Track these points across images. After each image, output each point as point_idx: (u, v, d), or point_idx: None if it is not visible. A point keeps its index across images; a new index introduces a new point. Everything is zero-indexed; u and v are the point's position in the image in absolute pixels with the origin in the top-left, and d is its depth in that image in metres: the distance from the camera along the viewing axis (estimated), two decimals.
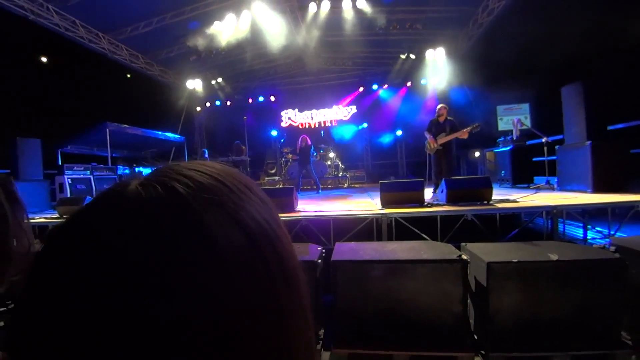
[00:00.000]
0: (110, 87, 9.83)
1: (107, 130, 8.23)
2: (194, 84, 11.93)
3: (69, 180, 6.77)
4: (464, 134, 5.50)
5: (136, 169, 9.76)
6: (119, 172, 8.67)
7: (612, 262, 2.21)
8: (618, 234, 3.58)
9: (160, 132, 10.63)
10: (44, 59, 9.01)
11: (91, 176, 7.32)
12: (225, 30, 8.84)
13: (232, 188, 0.29)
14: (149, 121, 10.36)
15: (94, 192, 7.14)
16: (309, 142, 8.20)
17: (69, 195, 6.51)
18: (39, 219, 4.90)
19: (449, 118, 5.83)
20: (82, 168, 7.20)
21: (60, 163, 7.89)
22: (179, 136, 11.67)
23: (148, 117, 10.54)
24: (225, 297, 0.24)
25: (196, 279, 0.24)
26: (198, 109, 13.78)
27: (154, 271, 0.23)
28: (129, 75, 10.68)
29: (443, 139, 5.66)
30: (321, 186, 10.29)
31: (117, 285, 0.22)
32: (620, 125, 4.93)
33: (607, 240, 3.43)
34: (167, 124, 11.46)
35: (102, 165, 7.96)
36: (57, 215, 4.86)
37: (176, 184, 0.27)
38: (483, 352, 2.26)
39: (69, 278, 0.23)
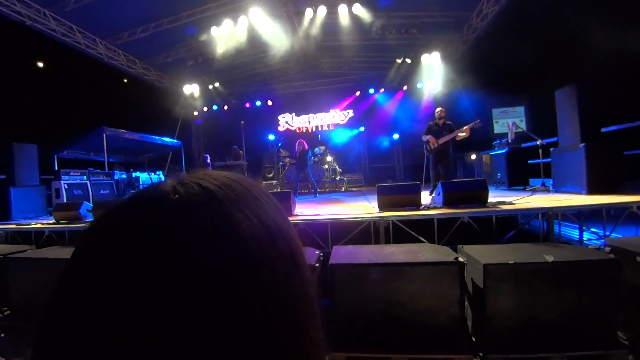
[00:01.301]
0: (107, 92, 9.83)
1: (104, 135, 8.21)
2: (191, 89, 11.96)
3: (66, 185, 6.73)
4: (466, 131, 5.55)
5: (133, 174, 9.72)
6: (116, 177, 8.62)
7: (607, 263, 2.23)
8: (613, 234, 3.61)
9: (157, 137, 10.62)
10: (40, 64, 9.00)
11: (88, 181, 7.28)
12: (222, 36, 8.89)
13: (253, 191, 0.33)
14: (146, 126, 10.34)
15: (91, 198, 7.10)
16: (307, 147, 8.24)
17: (65, 201, 6.47)
18: (35, 224, 4.87)
19: (447, 122, 5.90)
20: (78, 173, 7.17)
21: (56, 168, 7.86)
22: (176, 141, 11.66)
23: (145, 122, 10.53)
24: (252, 286, 0.27)
25: (228, 268, 0.26)
26: (195, 113, 13.79)
27: (198, 265, 0.25)
28: (125, 80, 10.69)
29: (445, 138, 5.71)
30: (319, 190, 10.32)
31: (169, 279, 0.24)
32: (613, 128, 5.00)
33: (603, 241, 3.46)
34: (164, 129, 11.45)
35: (98, 171, 7.92)
36: (54, 221, 4.83)
37: (209, 184, 0.30)
38: (481, 354, 2.27)
39: (117, 278, 0.24)
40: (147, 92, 11.16)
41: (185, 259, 0.25)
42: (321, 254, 2.78)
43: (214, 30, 8.73)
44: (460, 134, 5.62)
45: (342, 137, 13.23)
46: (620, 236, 3.56)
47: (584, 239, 3.74)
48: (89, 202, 6.43)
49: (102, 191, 7.62)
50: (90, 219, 4.72)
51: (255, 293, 0.27)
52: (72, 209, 4.87)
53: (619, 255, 2.31)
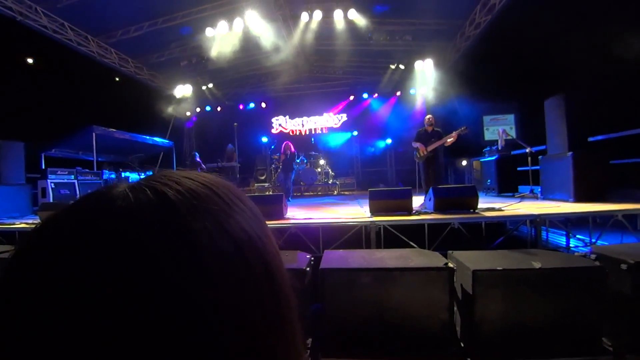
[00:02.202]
0: (98, 91, 9.68)
1: (94, 134, 8.08)
2: (184, 89, 11.87)
3: (52, 184, 6.59)
4: (453, 137, 5.67)
5: (122, 174, 9.57)
6: (105, 177, 8.48)
7: (593, 270, 2.28)
8: (599, 242, 3.69)
9: (148, 137, 10.49)
10: (30, 61, 8.83)
11: (75, 181, 7.14)
12: (217, 37, 8.87)
13: (224, 197, 0.29)
14: (137, 125, 10.21)
15: (78, 198, 6.95)
16: (293, 149, 7.91)
17: (51, 200, 6.34)
18: (19, 224, 4.75)
19: (436, 129, 6.02)
20: (66, 172, 7.03)
21: (43, 167, 7.69)
22: (167, 141, 11.54)
23: (136, 122, 10.40)
24: (206, 303, 0.24)
25: (177, 285, 0.23)
26: (188, 114, 13.68)
27: (133, 277, 0.22)
28: (117, 79, 10.56)
29: (433, 145, 5.82)
30: (310, 193, 10.33)
31: (92, 292, 0.22)
32: (600, 137, 5.12)
33: (589, 248, 3.53)
34: (156, 129, 11.32)
35: (87, 170, 7.78)
36: (39, 221, 4.71)
37: (167, 189, 0.27)
38: (469, 359, 2.28)
39: (42, 283, 0.22)
40: (139, 92, 11.03)
41: (115, 287, 0.22)
42: (312, 258, 2.77)
43: (209, 31, 8.70)
44: (448, 140, 5.72)
45: (335, 140, 13.28)
46: (605, 243, 3.64)
47: (571, 245, 3.81)
48: None
49: (90, 191, 7.47)
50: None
51: (215, 317, 0.24)
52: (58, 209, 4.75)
53: (604, 263, 2.36)
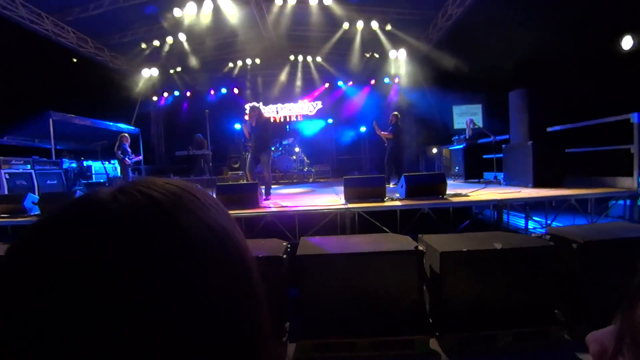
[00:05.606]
0: (54, 74, 8.94)
1: (51, 120, 7.55)
2: (150, 73, 11.27)
3: (7, 175, 6.12)
4: (386, 135, 7.26)
5: (85, 163, 9.02)
6: (65, 166, 7.97)
7: (547, 249, 2.49)
8: (554, 223, 4.01)
9: (112, 123, 9.93)
10: None
11: (32, 171, 6.66)
12: (186, 18, 8.44)
13: (200, 197, 0.33)
14: (99, 111, 9.62)
15: (36, 188, 6.51)
16: (264, 116, 5.94)
17: (6, 192, 5.89)
18: None
19: (399, 124, 7.30)
20: (21, 162, 6.53)
21: None
22: (133, 127, 10.97)
23: (98, 107, 9.77)
24: (200, 283, 0.28)
25: (176, 269, 0.27)
26: (155, 99, 13.04)
27: (134, 269, 0.25)
28: (75, 60, 9.80)
29: (381, 133, 7.38)
30: (286, 180, 10.28)
31: (95, 290, 0.24)
32: (558, 128, 5.47)
33: (545, 229, 3.82)
34: (120, 115, 10.72)
35: (45, 159, 7.27)
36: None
37: (152, 192, 0.30)
38: (437, 334, 2.45)
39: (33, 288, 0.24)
40: (100, 75, 10.29)
41: (134, 268, 0.25)
42: (289, 245, 2.81)
43: (176, 12, 8.26)
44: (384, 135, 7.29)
45: (310, 128, 13.23)
46: (560, 225, 3.96)
47: (529, 227, 4.11)
48: (34, 193, 5.89)
49: (49, 181, 7.02)
50: (37, 212, 4.34)
51: (205, 298, 0.27)
52: (14, 202, 4.44)
53: (558, 243, 2.58)
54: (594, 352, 0.40)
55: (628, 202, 4.04)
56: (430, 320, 2.54)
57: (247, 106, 5.83)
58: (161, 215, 0.28)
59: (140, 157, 8.52)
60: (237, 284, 0.31)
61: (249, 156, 5.71)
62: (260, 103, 13.23)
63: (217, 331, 0.28)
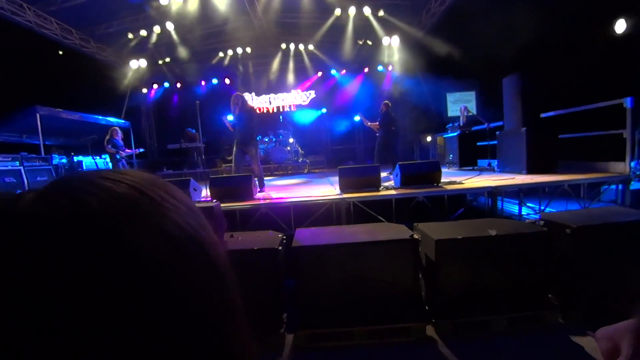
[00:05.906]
0: (39, 67, 8.68)
1: (38, 115, 7.35)
2: (139, 64, 11.00)
3: None
4: (374, 126, 6.98)
5: (75, 159, 8.86)
6: (55, 162, 7.81)
7: (540, 235, 2.51)
8: (547, 209, 4.05)
9: (101, 117, 9.71)
10: None
11: (21, 167, 6.51)
12: (173, 6, 8.21)
13: (153, 197, 0.27)
14: (87, 105, 9.39)
15: (26, 186, 6.39)
16: (248, 104, 5.94)
17: None
18: None
19: (389, 112, 6.99)
20: (9, 158, 6.37)
21: None
22: (123, 121, 10.76)
23: (86, 100, 9.53)
24: (155, 306, 0.23)
25: (117, 292, 0.22)
26: (144, 91, 12.78)
27: (59, 297, 0.20)
28: (61, 53, 9.51)
29: (369, 124, 7.11)
30: (280, 172, 10.24)
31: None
32: (551, 114, 5.47)
33: (538, 215, 3.86)
34: (110, 108, 10.49)
35: (33, 155, 7.11)
36: None
37: (86, 196, 0.24)
38: (433, 321, 2.47)
39: None
40: (87, 67, 10.03)
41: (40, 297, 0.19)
42: (284, 237, 2.80)
43: (163, 0, 8.02)
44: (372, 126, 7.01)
45: (304, 118, 13.11)
46: (553, 210, 4.00)
47: (523, 213, 4.15)
48: (24, 190, 5.78)
49: (39, 178, 6.88)
50: None
51: (160, 317, 0.23)
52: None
53: (551, 228, 2.60)
54: (604, 349, 0.38)
55: (620, 186, 4.08)
56: (426, 307, 2.56)
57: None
58: (95, 229, 0.22)
59: (135, 151, 8.35)
60: (204, 293, 0.26)
61: (235, 150, 5.45)
62: (253, 93, 13.06)
63: (184, 348, 0.24)
